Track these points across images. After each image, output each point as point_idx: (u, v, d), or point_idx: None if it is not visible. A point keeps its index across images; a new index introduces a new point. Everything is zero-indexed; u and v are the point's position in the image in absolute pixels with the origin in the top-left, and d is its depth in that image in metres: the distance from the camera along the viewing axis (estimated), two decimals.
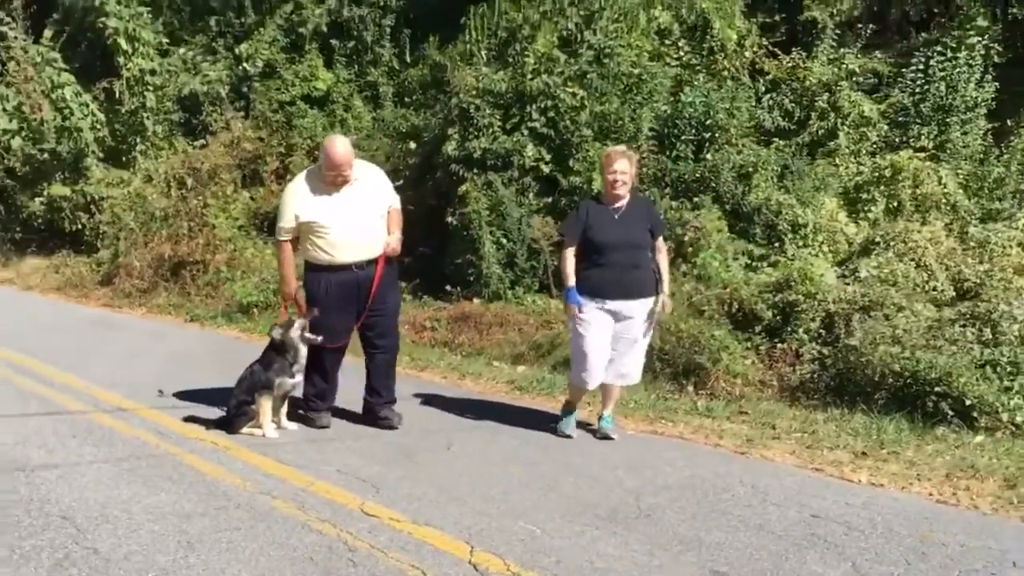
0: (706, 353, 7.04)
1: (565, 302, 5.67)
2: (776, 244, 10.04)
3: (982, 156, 11.55)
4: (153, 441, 5.33)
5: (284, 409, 5.71)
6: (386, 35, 16.11)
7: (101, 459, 4.90)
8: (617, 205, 5.54)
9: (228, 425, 5.58)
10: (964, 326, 6.64)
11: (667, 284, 5.64)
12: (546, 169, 10.89)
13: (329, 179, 5.47)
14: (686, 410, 6.43)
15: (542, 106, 10.97)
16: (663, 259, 5.68)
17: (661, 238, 5.73)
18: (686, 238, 9.36)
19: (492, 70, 11.80)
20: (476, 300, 10.14)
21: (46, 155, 16.32)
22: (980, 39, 12.13)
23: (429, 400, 6.61)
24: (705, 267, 8.99)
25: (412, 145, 12.55)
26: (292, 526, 3.88)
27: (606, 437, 5.61)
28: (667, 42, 12.40)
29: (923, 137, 11.70)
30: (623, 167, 5.47)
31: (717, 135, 10.89)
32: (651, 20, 12.32)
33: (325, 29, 16.10)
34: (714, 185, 10.43)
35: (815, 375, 6.88)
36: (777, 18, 15.22)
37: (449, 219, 10.79)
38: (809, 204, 10.37)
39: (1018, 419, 5.83)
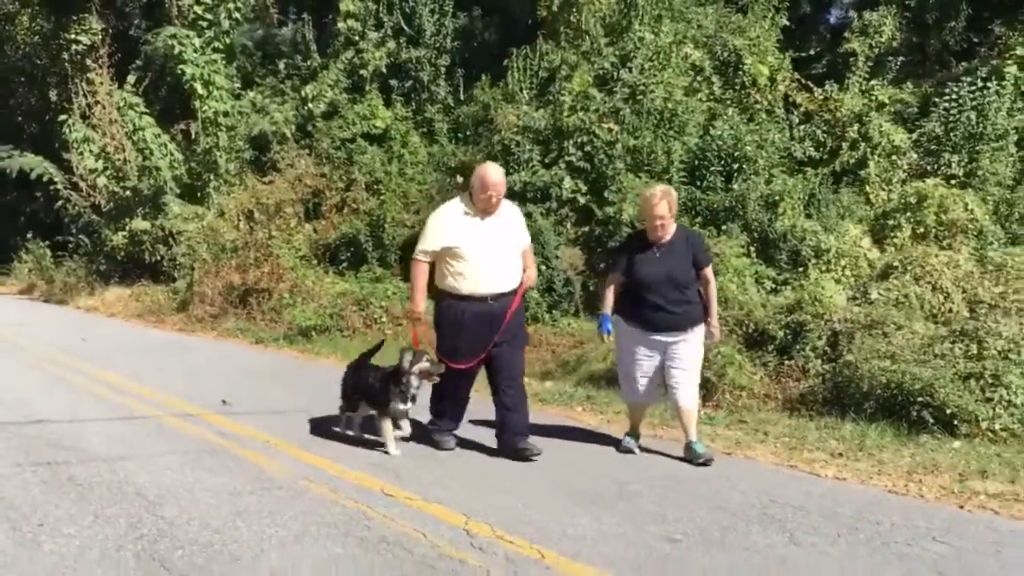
0: (713, 368, 7.61)
1: (597, 329, 6.01)
2: (800, 269, 10.55)
3: (1012, 183, 11.89)
4: (215, 439, 6.17)
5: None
6: (441, 74, 17.13)
7: (170, 452, 5.75)
8: (660, 243, 5.67)
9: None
10: (954, 342, 7.12)
11: (715, 314, 5.77)
12: (582, 200, 11.64)
13: (482, 201, 5.57)
14: None
15: (578, 141, 11.75)
16: (711, 289, 5.75)
17: (709, 268, 5.75)
18: None
19: (532, 108, 12.62)
20: None
21: (128, 192, 17.78)
22: (1018, 68, 12.49)
23: None
24: (723, 290, 9.55)
25: (459, 179, 13.40)
26: (323, 502, 4.64)
27: (706, 463, 5.56)
28: (699, 78, 13.05)
29: (953, 165, 12.10)
30: (663, 211, 5.55)
31: (745, 166, 11.47)
32: (684, 58, 12.98)
33: (384, 70, 17.17)
34: (742, 213, 10.99)
35: (815, 388, 7.41)
36: (813, 52, 15.82)
37: None
38: (833, 230, 10.86)
39: (996, 426, 6.30)
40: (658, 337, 5.63)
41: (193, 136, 17.87)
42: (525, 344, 6.11)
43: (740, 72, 13.22)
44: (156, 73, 20.19)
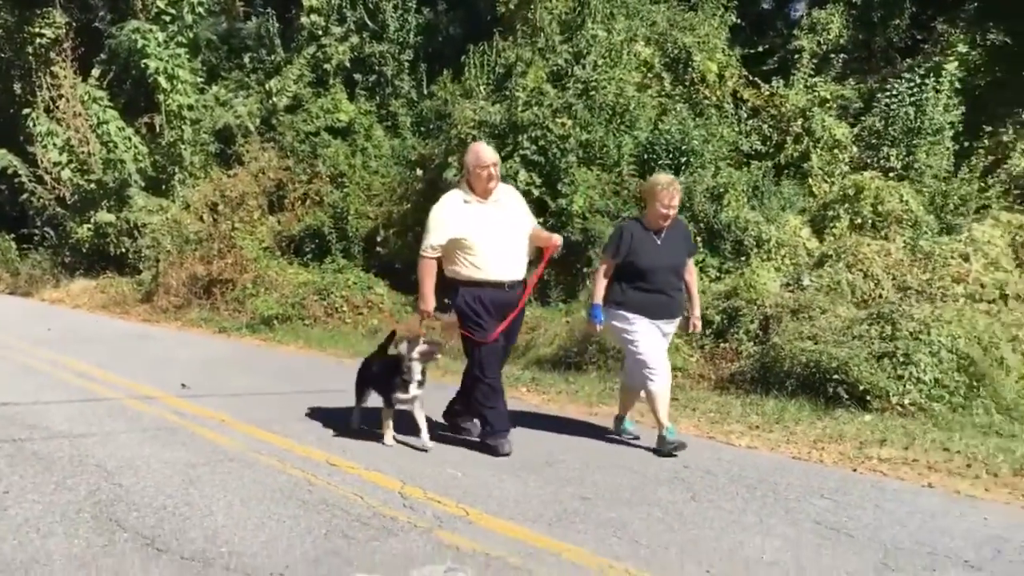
0: None
1: (588, 319, 5.95)
2: (743, 258, 11.02)
3: (947, 175, 12.44)
4: (172, 419, 6.51)
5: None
6: (405, 69, 17.40)
7: (130, 430, 6.09)
8: (660, 230, 5.74)
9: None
10: (871, 324, 7.61)
11: (697, 304, 6.03)
12: (536, 193, 11.99)
13: (480, 181, 5.49)
14: None
15: (533, 135, 12.10)
16: (693, 279, 5.97)
17: (692, 259, 6.00)
18: None
19: (488, 103, 12.99)
20: None
21: (93, 185, 17.92)
22: (958, 64, 13.06)
23: None
24: None
25: (419, 172, 13.73)
26: (270, 472, 5.02)
27: (680, 447, 5.53)
28: (650, 75, 13.48)
29: (892, 158, 12.63)
30: (678, 202, 5.67)
31: (692, 159, 11.91)
32: (636, 55, 13.40)
33: (348, 65, 17.42)
34: (688, 205, 11.42)
35: (744, 368, 7.89)
36: (763, 48, 16.30)
37: None
38: (774, 221, 11.34)
39: (905, 401, 6.80)
40: (656, 324, 5.71)
41: (158, 129, 18.05)
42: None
43: (690, 69, 13.67)
44: (120, 67, 20.21)
